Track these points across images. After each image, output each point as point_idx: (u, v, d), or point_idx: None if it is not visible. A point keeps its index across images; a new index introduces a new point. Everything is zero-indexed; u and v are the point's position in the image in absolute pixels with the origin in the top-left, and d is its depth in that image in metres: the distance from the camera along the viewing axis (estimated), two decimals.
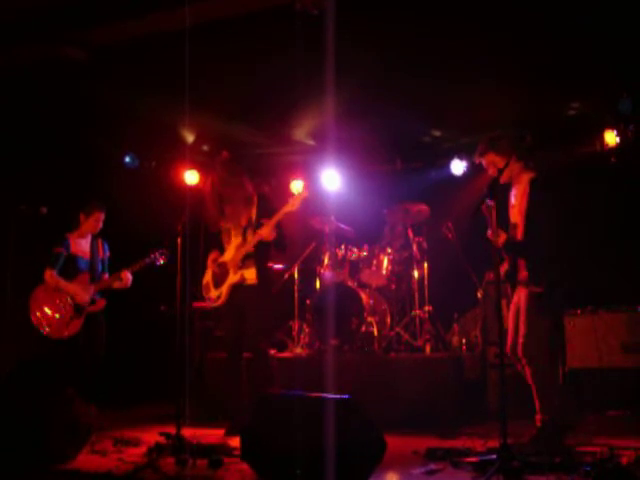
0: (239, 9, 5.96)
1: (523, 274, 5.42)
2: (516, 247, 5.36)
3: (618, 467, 4.34)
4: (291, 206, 6.19)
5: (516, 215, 5.45)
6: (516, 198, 5.49)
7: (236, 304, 6.30)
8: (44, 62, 6.75)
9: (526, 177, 5.43)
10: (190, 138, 8.95)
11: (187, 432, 5.49)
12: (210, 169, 6.43)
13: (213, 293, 6.42)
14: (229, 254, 6.38)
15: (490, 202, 4.96)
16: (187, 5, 5.58)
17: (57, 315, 6.84)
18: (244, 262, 6.30)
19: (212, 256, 6.49)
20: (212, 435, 6.11)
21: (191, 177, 9.28)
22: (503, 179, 5.42)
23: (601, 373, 6.84)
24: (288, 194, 7.90)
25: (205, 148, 9.55)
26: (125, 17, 6.16)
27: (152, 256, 6.95)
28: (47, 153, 8.18)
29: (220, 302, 6.37)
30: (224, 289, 6.34)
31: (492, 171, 5.47)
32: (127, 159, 9.22)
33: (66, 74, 6.97)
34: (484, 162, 5.54)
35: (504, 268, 5.54)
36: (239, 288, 6.30)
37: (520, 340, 5.41)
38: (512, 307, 5.61)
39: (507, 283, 5.66)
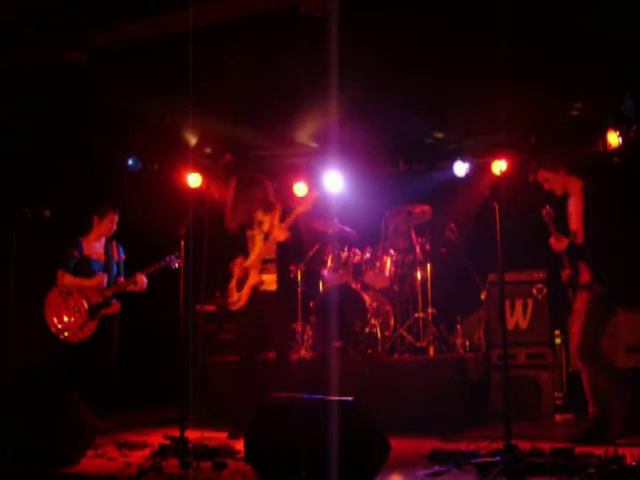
0: (242, 11, 5.96)
1: (585, 277, 5.72)
2: (578, 250, 5.70)
3: (623, 468, 4.33)
4: (304, 207, 6.30)
5: (574, 222, 5.79)
6: (572, 207, 5.84)
7: (256, 307, 6.36)
8: (46, 64, 6.75)
9: (577, 186, 5.81)
10: (193, 140, 8.95)
11: (191, 435, 5.49)
12: (231, 175, 6.53)
13: (235, 296, 6.48)
14: (251, 258, 6.43)
15: (550, 209, 5.58)
16: (190, 7, 5.59)
17: (72, 319, 6.87)
18: (264, 266, 6.36)
19: (237, 261, 6.54)
20: (216, 438, 6.12)
21: (194, 180, 9.28)
22: (558, 192, 5.90)
23: None
24: (291, 196, 7.94)
25: (208, 150, 9.55)
26: (127, 20, 6.16)
27: (167, 259, 6.99)
28: (49, 156, 8.18)
29: (240, 304, 6.42)
30: (244, 292, 6.41)
31: (547, 186, 5.92)
32: (130, 162, 9.21)
33: (68, 76, 6.98)
34: (539, 179, 5.95)
35: (566, 273, 5.89)
36: (259, 292, 6.36)
37: (581, 341, 5.67)
38: (575, 311, 5.88)
39: (569, 287, 5.95)
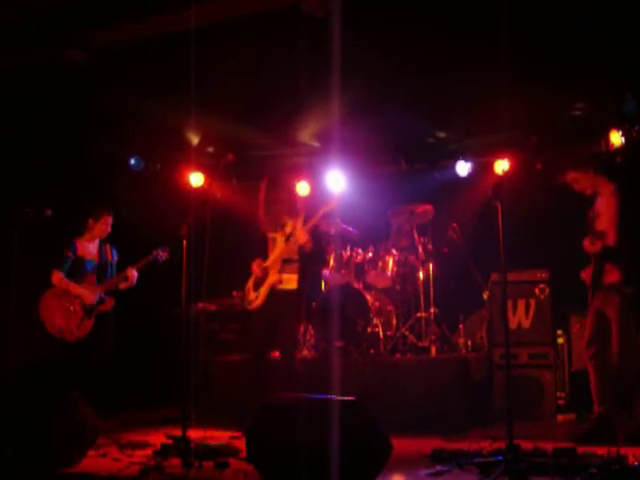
0: (244, 11, 5.96)
1: (612, 278, 5.71)
2: (612, 253, 5.68)
3: (625, 468, 4.33)
4: (326, 209, 6.34)
5: (603, 223, 5.76)
6: (602, 208, 5.82)
7: (272, 307, 6.34)
8: (47, 64, 6.76)
9: (609, 188, 5.81)
10: (195, 140, 8.96)
11: (193, 434, 5.49)
12: (263, 178, 6.58)
13: (252, 295, 6.48)
14: (271, 259, 6.43)
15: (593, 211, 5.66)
16: (192, 7, 5.59)
17: (69, 318, 6.92)
18: (284, 266, 6.36)
19: (256, 262, 6.53)
20: (218, 437, 6.11)
21: (196, 179, 9.29)
22: (588, 192, 5.91)
23: None
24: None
25: (210, 150, 9.55)
26: (127, 19, 6.17)
27: (155, 253, 7.11)
28: (52, 156, 8.19)
29: (257, 304, 6.41)
30: (262, 290, 6.41)
31: (577, 187, 5.94)
32: (132, 161, 9.24)
33: (70, 76, 6.98)
34: (568, 180, 5.97)
35: (589, 272, 5.88)
36: (277, 291, 6.35)
37: (622, 346, 5.66)
38: (592, 310, 5.90)
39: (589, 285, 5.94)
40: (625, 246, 5.64)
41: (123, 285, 7.18)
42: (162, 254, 7.13)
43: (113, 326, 7.19)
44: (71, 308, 6.93)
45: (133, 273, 7.13)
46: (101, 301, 7.08)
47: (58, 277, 7.01)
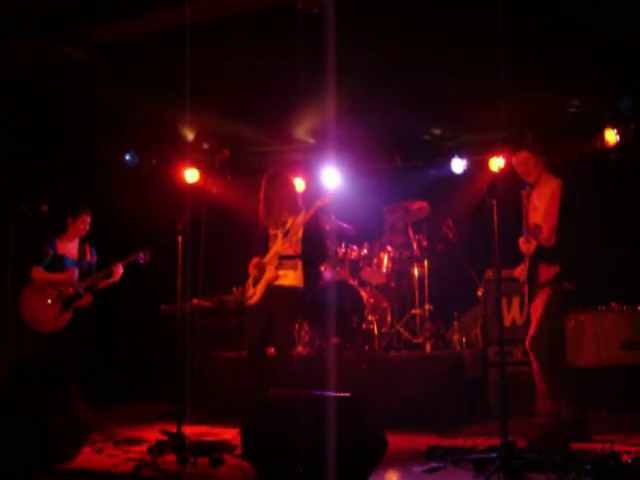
0: (240, 8, 5.96)
1: (546, 276, 5.62)
2: (548, 253, 5.59)
3: (619, 465, 4.35)
4: (322, 202, 6.30)
5: (539, 217, 5.67)
6: (540, 201, 5.71)
7: (268, 303, 6.32)
8: (44, 61, 6.76)
9: (553, 182, 5.69)
10: (190, 136, 8.95)
11: (188, 430, 5.49)
12: (264, 175, 6.55)
13: (250, 291, 6.46)
14: (269, 255, 6.41)
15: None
16: (188, 3, 5.59)
17: (47, 310, 7.00)
18: (281, 262, 6.34)
19: (254, 261, 6.50)
20: (213, 433, 6.12)
21: (191, 175, 9.28)
22: (530, 178, 5.77)
23: (601, 372, 6.86)
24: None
25: (205, 146, 9.55)
26: (125, 16, 6.16)
27: (137, 255, 7.24)
28: (47, 152, 8.18)
29: (255, 300, 6.39)
30: (260, 286, 6.37)
31: (521, 169, 5.80)
32: (127, 157, 9.22)
33: (66, 73, 6.98)
34: (517, 159, 5.84)
35: (524, 269, 5.77)
36: (273, 287, 6.33)
37: (532, 335, 5.59)
38: (533, 306, 5.76)
39: (523, 283, 5.83)
40: (562, 245, 5.55)
41: (104, 283, 7.23)
42: (143, 256, 7.26)
43: (89, 322, 7.21)
44: (49, 301, 6.99)
45: (119, 268, 7.17)
46: (80, 296, 7.10)
47: (37, 271, 7.08)
